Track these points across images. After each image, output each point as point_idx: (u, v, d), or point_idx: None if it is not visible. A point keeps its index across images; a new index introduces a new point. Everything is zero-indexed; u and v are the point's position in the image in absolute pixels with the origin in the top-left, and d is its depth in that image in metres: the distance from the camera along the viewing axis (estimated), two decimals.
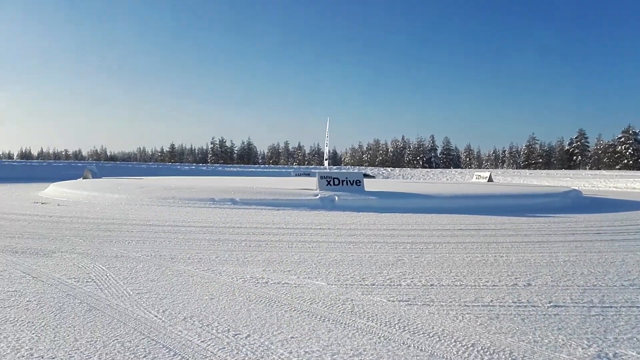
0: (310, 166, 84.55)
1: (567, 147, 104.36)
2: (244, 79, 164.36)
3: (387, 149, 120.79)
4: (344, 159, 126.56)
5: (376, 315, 3.96)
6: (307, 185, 17.93)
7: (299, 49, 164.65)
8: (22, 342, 3.25)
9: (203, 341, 3.32)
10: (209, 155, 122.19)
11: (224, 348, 3.20)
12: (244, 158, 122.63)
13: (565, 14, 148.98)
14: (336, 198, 13.98)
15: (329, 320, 3.82)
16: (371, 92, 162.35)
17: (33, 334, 3.42)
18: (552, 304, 4.36)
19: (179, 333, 3.47)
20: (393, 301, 4.37)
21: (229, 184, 17.79)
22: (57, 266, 5.61)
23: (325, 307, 4.18)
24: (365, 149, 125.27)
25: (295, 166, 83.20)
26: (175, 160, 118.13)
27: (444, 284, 5.02)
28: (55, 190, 18.05)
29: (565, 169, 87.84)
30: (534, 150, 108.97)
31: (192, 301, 4.30)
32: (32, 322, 3.65)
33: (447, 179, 46.63)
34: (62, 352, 3.09)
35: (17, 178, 32.36)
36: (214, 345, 3.24)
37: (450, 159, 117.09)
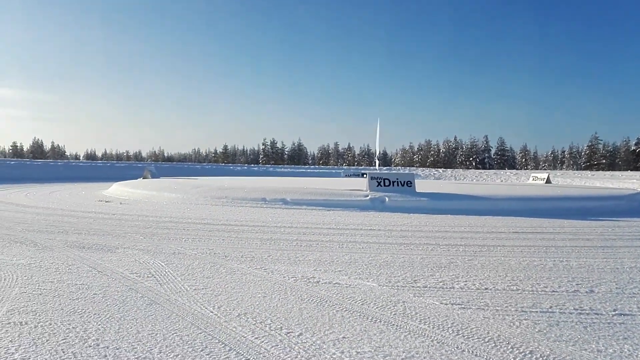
0: (360, 167, 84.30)
1: (633, 147, 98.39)
2: (294, 80, 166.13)
3: (439, 150, 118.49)
4: (394, 159, 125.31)
5: (428, 317, 3.91)
6: (357, 186, 17.90)
7: (349, 49, 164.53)
8: (89, 333, 3.45)
9: (257, 338, 3.40)
10: (261, 156, 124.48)
11: (277, 345, 3.26)
12: (294, 159, 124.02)
13: (625, 10, 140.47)
14: (387, 199, 13.88)
15: (380, 321, 3.81)
16: (422, 91, 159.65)
17: (99, 325, 3.62)
18: (617, 312, 4.14)
19: (234, 329, 3.57)
20: (446, 304, 4.30)
21: (280, 185, 18.05)
22: (120, 261, 5.91)
23: (377, 308, 4.16)
24: (416, 149, 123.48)
25: (345, 167, 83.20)
26: (228, 161, 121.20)
27: (499, 288, 4.87)
28: (117, 190, 19.00)
29: (632, 170, 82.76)
30: (596, 150, 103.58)
31: (246, 298, 4.40)
32: (98, 314, 3.87)
33: (502, 181, 45.12)
34: (126, 344, 3.26)
35: (83, 178, 34.30)
36: (267, 342, 3.31)
37: (505, 160, 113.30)
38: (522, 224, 10.42)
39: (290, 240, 7.71)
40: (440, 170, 64.69)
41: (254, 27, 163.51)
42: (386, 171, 42.05)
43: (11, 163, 41.73)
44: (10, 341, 3.24)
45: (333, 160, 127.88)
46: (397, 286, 4.92)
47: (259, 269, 5.62)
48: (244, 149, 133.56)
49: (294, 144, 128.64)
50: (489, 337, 3.47)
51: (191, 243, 7.33)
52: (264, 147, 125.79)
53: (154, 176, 27.21)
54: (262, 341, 3.33)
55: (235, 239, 7.81)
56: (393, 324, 3.73)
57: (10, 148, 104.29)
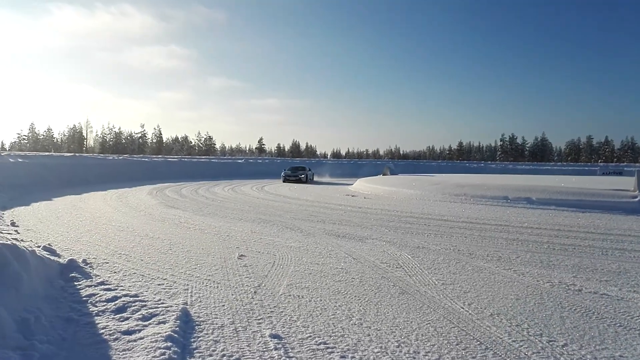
0: (622, 164, 71.84)
1: None
2: (534, 71, 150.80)
3: None
4: None
5: None
6: (620, 185, 15.34)
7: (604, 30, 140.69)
8: (352, 312, 3.85)
9: (514, 341, 3.25)
10: (498, 153, 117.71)
11: (539, 353, 3.05)
12: (536, 155, 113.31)
13: None
14: None
15: None
16: None
17: (360, 306, 4.00)
18: None
19: (488, 328, 3.49)
20: None
21: (523, 182, 16.75)
22: (370, 251, 6.40)
23: None
24: None
25: (602, 164, 72.08)
26: (462, 157, 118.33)
27: None
28: (361, 185, 20.57)
29: None
30: None
31: (497, 299, 4.25)
32: (358, 297, 4.28)
33: None
34: (385, 326, 3.52)
35: (331, 174, 38.26)
36: (527, 348, 3.13)
37: None
38: None
39: (540, 242, 7.10)
40: None
41: (496, 25, 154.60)
42: None
43: (277, 161, 49.53)
44: (292, 310, 3.85)
45: (585, 156, 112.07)
46: None
47: (507, 270, 5.35)
48: (479, 145, 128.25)
49: (536, 139, 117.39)
50: None
51: (434, 238, 7.44)
52: (501, 143, 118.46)
53: (392, 173, 28.45)
54: (521, 345, 3.17)
55: (478, 237, 7.60)
56: None
57: (276, 149, 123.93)
